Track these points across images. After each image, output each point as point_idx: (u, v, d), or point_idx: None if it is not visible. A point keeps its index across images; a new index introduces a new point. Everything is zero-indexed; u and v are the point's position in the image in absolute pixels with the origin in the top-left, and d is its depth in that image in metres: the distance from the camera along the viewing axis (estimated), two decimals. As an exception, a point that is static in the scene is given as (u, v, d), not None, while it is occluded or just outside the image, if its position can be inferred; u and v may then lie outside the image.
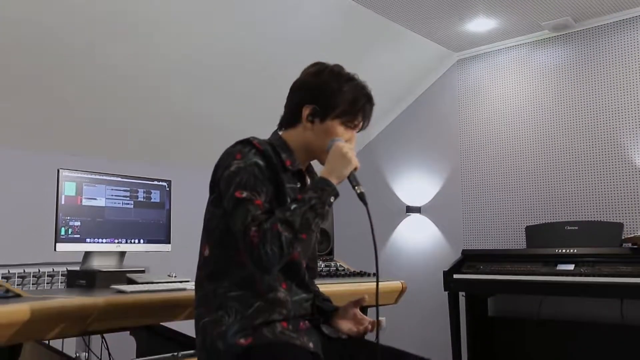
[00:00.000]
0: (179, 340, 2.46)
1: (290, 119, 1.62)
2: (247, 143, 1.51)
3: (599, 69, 3.88)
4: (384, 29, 3.92)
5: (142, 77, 3.36)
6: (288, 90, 1.65)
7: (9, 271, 2.25)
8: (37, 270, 2.38)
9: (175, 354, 2.14)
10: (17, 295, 1.64)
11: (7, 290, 1.66)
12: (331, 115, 1.58)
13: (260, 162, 1.47)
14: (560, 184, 3.97)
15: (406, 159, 4.74)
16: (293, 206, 1.40)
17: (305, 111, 1.58)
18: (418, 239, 4.62)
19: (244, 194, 1.41)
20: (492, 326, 4.03)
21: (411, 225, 4.66)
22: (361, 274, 2.70)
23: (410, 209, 4.59)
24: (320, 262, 2.76)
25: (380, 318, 1.61)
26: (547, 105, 4.08)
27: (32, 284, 2.24)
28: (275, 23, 3.48)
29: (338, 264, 2.83)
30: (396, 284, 2.57)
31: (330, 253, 2.91)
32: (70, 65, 3.10)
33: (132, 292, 1.85)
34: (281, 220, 1.36)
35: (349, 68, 1.62)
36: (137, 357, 2.48)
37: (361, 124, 1.65)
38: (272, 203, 1.45)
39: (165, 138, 3.80)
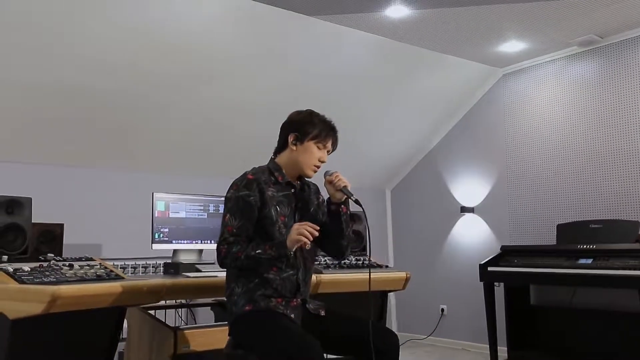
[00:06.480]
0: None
1: (281, 147, 2.39)
2: (243, 177, 2.29)
3: (624, 80, 4.24)
4: (425, 57, 4.57)
5: (210, 118, 4.31)
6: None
7: (124, 262, 3.28)
8: (145, 262, 3.40)
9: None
10: (120, 277, 2.62)
11: (116, 274, 2.64)
12: (307, 139, 2.32)
13: (245, 193, 2.23)
14: (588, 187, 4.39)
15: (461, 165, 5.33)
16: (258, 251, 2.13)
17: (290, 138, 2.34)
18: (472, 235, 5.20)
19: (227, 217, 2.23)
20: (533, 314, 4.51)
21: (466, 224, 5.24)
22: (380, 266, 3.42)
23: (464, 209, 5.18)
24: (352, 256, 3.51)
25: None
26: (578, 115, 4.49)
27: (142, 272, 3.22)
28: (322, 62, 4.27)
29: (367, 258, 3.56)
30: (402, 274, 3.28)
31: (364, 249, 3.64)
32: (162, 110, 4.13)
33: (193, 277, 2.79)
34: (247, 254, 2.14)
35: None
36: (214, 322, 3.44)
37: (330, 145, 2.36)
38: (253, 218, 2.23)
39: (231, 158, 4.63)
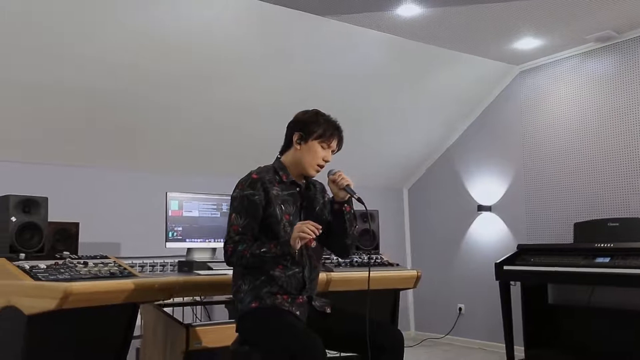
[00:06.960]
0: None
1: (286, 146, 2.42)
2: (248, 176, 2.33)
3: (643, 76, 4.17)
4: (440, 56, 4.56)
5: (218, 118, 4.32)
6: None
7: (143, 261, 3.35)
8: (162, 260, 3.47)
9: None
10: (132, 275, 2.68)
11: (129, 272, 2.70)
12: (311, 138, 2.34)
13: (249, 192, 2.27)
14: (605, 184, 4.33)
15: (478, 163, 5.30)
16: (263, 249, 2.18)
17: (295, 137, 2.37)
18: (490, 234, 5.16)
19: (232, 216, 2.28)
20: (551, 313, 4.47)
21: (483, 222, 5.22)
22: (392, 264, 3.43)
23: (481, 208, 5.15)
24: (364, 254, 3.53)
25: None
26: (595, 112, 4.44)
27: (159, 270, 3.28)
28: (333, 62, 4.28)
29: (379, 256, 3.57)
30: (412, 272, 3.29)
31: (376, 248, 3.66)
32: (173, 110, 4.17)
33: (204, 274, 2.84)
34: (252, 252, 2.18)
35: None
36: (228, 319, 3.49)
37: (335, 145, 2.39)
38: (258, 216, 2.28)
39: (239, 158, 4.59)
